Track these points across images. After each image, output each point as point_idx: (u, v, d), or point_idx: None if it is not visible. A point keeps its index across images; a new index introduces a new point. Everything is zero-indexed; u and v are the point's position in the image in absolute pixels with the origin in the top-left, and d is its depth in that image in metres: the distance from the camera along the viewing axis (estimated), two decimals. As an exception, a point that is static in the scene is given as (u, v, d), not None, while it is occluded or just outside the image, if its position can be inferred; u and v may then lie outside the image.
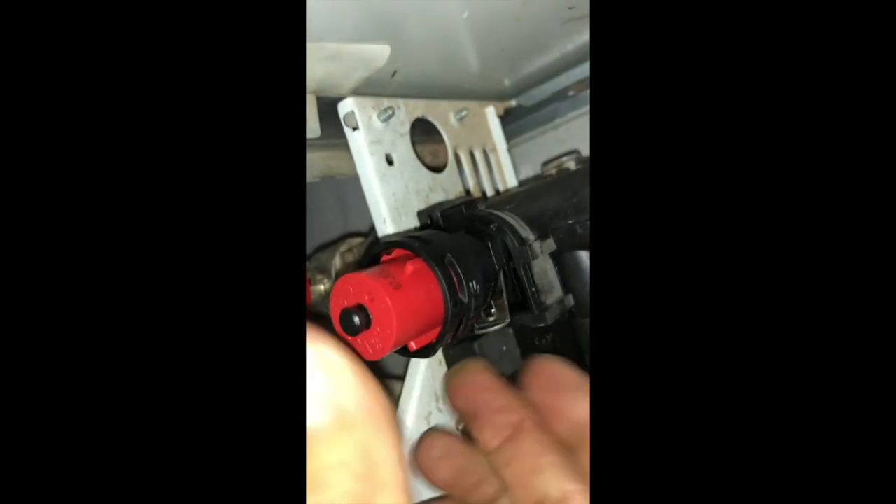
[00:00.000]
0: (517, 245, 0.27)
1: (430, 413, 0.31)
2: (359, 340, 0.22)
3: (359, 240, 0.41)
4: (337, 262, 0.39)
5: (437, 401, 0.32)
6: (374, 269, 0.23)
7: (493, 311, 0.28)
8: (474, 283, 0.25)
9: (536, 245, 0.28)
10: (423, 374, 0.32)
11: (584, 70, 0.38)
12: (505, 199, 0.31)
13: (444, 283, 0.23)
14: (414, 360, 0.31)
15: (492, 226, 0.28)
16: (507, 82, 0.39)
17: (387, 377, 0.45)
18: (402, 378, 0.34)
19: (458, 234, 0.28)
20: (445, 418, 0.32)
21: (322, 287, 0.39)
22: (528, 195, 0.30)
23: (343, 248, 0.40)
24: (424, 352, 0.24)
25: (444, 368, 0.32)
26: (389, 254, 0.25)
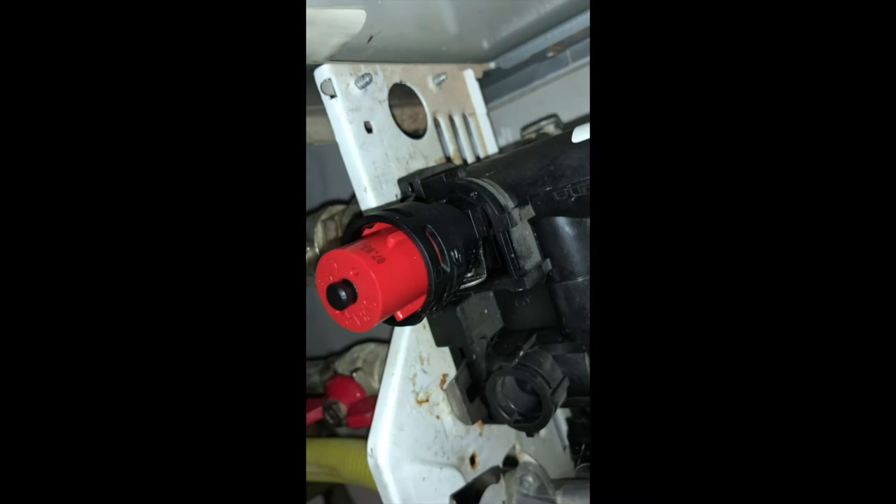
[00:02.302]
0: (497, 213, 0.28)
1: (415, 374, 0.33)
2: (346, 314, 0.22)
3: (340, 207, 0.41)
4: (318, 230, 0.39)
5: (422, 363, 0.33)
6: (357, 244, 0.23)
7: (471, 274, 0.29)
8: (456, 253, 0.26)
9: (516, 212, 0.29)
10: (408, 338, 0.33)
11: (562, 31, 0.38)
12: (484, 166, 0.31)
13: (426, 255, 0.24)
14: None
15: (472, 194, 0.28)
16: (485, 44, 0.39)
17: (374, 341, 0.46)
18: (387, 342, 0.35)
19: (438, 204, 0.28)
20: (430, 380, 0.33)
21: (305, 255, 0.39)
22: (507, 162, 0.31)
23: (324, 215, 0.40)
24: (410, 320, 0.25)
25: (427, 332, 0.33)
26: (371, 227, 0.26)
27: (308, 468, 0.47)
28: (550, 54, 0.42)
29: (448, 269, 0.25)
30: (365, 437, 0.45)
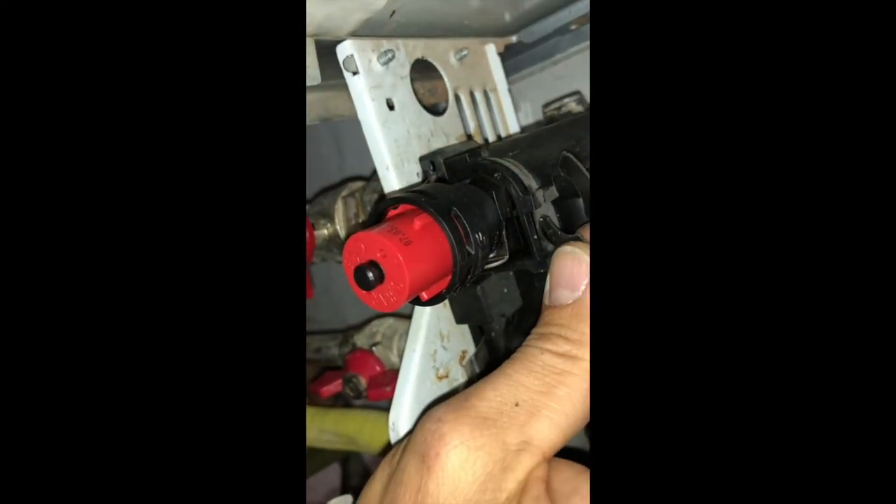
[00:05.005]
0: (521, 194, 0.28)
1: (435, 351, 0.33)
2: (373, 295, 0.23)
3: (360, 183, 0.41)
4: (339, 207, 0.39)
5: (442, 340, 0.34)
6: (384, 226, 0.23)
7: (493, 255, 0.29)
8: (480, 235, 0.26)
9: (539, 194, 0.28)
10: (429, 315, 0.33)
11: (586, 5, 0.37)
12: (507, 145, 0.31)
13: (451, 237, 0.24)
14: (420, 302, 0.32)
15: (496, 175, 0.28)
16: (507, 17, 0.38)
17: (392, 315, 0.47)
18: (408, 317, 0.35)
19: (462, 185, 0.28)
20: (450, 356, 0.34)
21: (325, 231, 0.39)
22: (531, 141, 0.30)
23: (344, 192, 0.40)
24: (435, 300, 0.26)
25: (447, 310, 0.34)
26: (396, 208, 0.26)
27: (326, 436, 0.49)
28: (574, 27, 0.41)
29: (473, 252, 0.25)
30: (382, 409, 0.46)
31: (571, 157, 0.28)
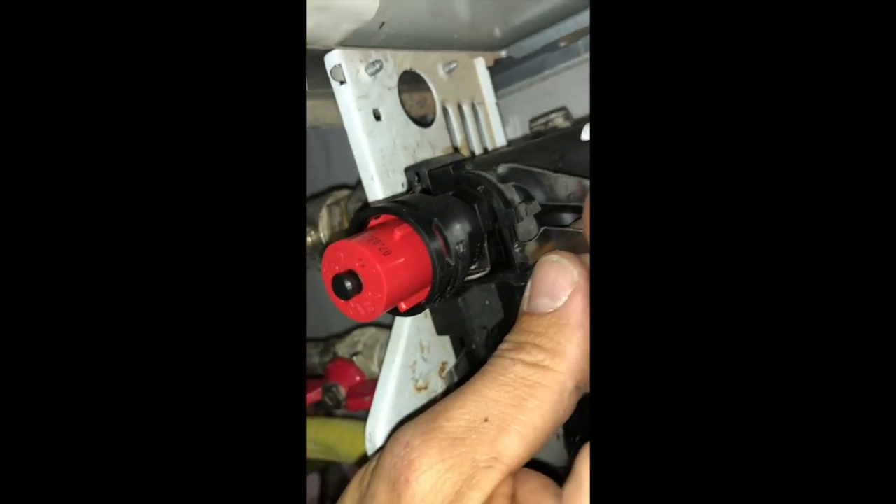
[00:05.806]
0: (503, 207, 0.28)
1: (415, 362, 0.33)
2: (351, 304, 0.23)
3: (345, 192, 0.41)
4: (323, 215, 0.39)
5: (422, 351, 0.34)
6: (363, 236, 0.23)
7: (474, 267, 0.29)
8: (461, 247, 0.26)
9: (522, 207, 0.29)
10: (409, 326, 0.33)
11: (575, 23, 0.37)
12: (492, 158, 0.31)
13: (431, 248, 0.24)
14: (400, 313, 0.32)
15: (479, 188, 0.28)
16: (497, 32, 0.38)
17: (374, 325, 0.47)
18: (389, 327, 0.35)
19: (444, 197, 0.28)
20: (430, 367, 0.34)
21: (309, 239, 0.39)
22: (515, 156, 0.31)
23: (329, 200, 0.40)
24: (414, 311, 0.26)
25: (428, 321, 0.34)
26: (377, 218, 0.26)
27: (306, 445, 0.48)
28: (563, 44, 0.41)
29: (453, 263, 0.25)
30: (362, 419, 0.46)
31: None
